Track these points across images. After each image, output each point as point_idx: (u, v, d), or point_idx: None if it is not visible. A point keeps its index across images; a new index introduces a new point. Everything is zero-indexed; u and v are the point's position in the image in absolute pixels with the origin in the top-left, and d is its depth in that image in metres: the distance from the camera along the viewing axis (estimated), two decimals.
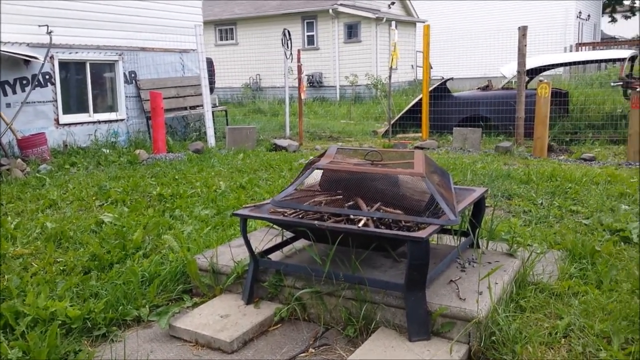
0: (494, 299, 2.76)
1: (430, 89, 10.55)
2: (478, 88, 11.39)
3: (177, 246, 3.89)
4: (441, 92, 10.85)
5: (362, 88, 18.92)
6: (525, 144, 8.95)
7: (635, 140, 7.71)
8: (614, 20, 38.26)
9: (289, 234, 3.46)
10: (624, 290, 3.19)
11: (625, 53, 10.94)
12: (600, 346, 2.57)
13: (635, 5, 37.78)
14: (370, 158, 3.28)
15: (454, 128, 9.36)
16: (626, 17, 38.35)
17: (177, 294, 3.41)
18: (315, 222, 2.88)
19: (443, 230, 3.55)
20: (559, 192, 5.77)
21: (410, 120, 11.06)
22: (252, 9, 22.43)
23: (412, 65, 23.47)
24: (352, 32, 20.53)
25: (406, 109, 11.27)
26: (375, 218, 2.92)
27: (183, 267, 3.50)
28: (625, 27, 38.24)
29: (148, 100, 9.19)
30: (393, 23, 12.04)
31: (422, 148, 8.93)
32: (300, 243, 3.47)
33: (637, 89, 8.76)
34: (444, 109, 10.64)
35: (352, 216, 2.96)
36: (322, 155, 3.31)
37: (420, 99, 10.38)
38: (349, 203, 3.09)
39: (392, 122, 10.54)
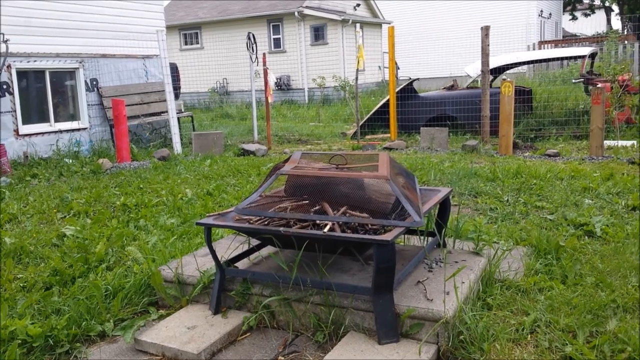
0: (461, 298, 2.76)
1: (397, 89, 10.62)
2: (444, 88, 11.52)
3: (142, 257, 3.80)
4: (408, 92, 10.93)
5: (330, 90, 18.96)
6: (492, 141, 9.07)
7: (597, 135, 7.89)
8: (574, 18, 39.30)
9: (255, 242, 3.41)
10: (588, 284, 3.24)
11: (585, 50, 11.20)
12: (566, 340, 2.60)
13: (594, 3, 38.90)
14: (335, 162, 3.26)
15: (422, 128, 9.44)
16: (586, 15, 39.43)
17: (143, 307, 3.33)
18: (281, 228, 2.85)
19: (410, 232, 3.55)
20: (525, 188, 5.85)
21: (378, 121, 11.11)
22: (216, 12, 22.26)
23: (379, 67, 23.63)
24: (318, 35, 20.57)
25: (374, 110, 11.32)
26: (341, 222, 2.90)
27: (148, 279, 3.42)
28: (585, 25, 39.31)
29: (111, 108, 9.01)
30: (357, 25, 12.07)
31: (390, 148, 8.98)
32: (267, 250, 3.43)
33: (597, 85, 9.00)
34: (411, 109, 10.72)
35: (318, 221, 2.94)
36: (286, 160, 3.27)
37: (388, 100, 10.44)
38: (315, 208, 3.07)
39: (360, 123, 10.56)
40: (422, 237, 3.49)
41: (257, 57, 10.46)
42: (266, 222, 3.03)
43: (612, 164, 7.05)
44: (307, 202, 3.18)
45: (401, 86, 10.98)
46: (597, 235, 4.21)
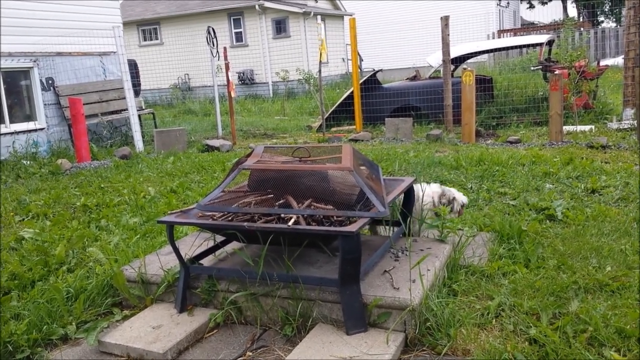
0: (427, 286, 2.78)
1: (361, 81, 10.63)
2: (407, 78, 11.59)
3: (104, 258, 3.71)
4: (372, 84, 10.96)
5: (294, 83, 18.88)
6: (455, 130, 9.17)
7: (556, 120, 8.06)
8: (532, 6, 40.08)
9: (221, 238, 3.36)
10: (551, 267, 3.31)
11: (543, 38, 11.43)
12: (530, 323, 2.64)
13: None
14: (298, 155, 3.24)
15: (386, 119, 9.48)
16: (543, 3, 40.25)
17: (106, 308, 3.25)
18: (245, 223, 2.81)
19: (376, 222, 3.56)
20: (487, 175, 5.94)
21: (343, 113, 11.12)
22: (175, 7, 21.87)
23: (342, 59, 23.64)
24: (280, 28, 20.44)
25: (339, 102, 11.33)
26: (306, 215, 2.88)
27: (110, 280, 3.34)
28: (543, 13, 40.16)
29: (68, 107, 8.75)
30: (318, 17, 12.02)
31: (356, 140, 9.00)
32: (233, 246, 3.38)
33: (555, 72, 9.19)
34: (375, 100, 10.76)
35: (282, 215, 2.91)
36: (249, 155, 3.23)
37: (352, 92, 10.45)
38: (280, 202, 3.04)
39: (325, 116, 10.55)
40: (387, 227, 3.50)
41: (218, 51, 10.31)
42: (230, 218, 2.99)
43: (572, 148, 7.22)
44: (271, 196, 3.15)
45: (365, 78, 10.99)
46: (558, 218, 4.30)
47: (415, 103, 10.65)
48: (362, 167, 3.29)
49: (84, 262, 3.88)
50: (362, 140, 8.97)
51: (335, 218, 2.97)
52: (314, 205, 2.97)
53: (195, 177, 6.69)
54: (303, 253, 3.12)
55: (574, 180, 5.47)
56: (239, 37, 20.94)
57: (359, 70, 21.97)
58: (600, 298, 2.89)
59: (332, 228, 2.70)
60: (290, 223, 2.75)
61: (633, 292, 2.91)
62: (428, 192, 3.78)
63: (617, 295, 2.90)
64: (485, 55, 20.71)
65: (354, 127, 10.38)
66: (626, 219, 4.15)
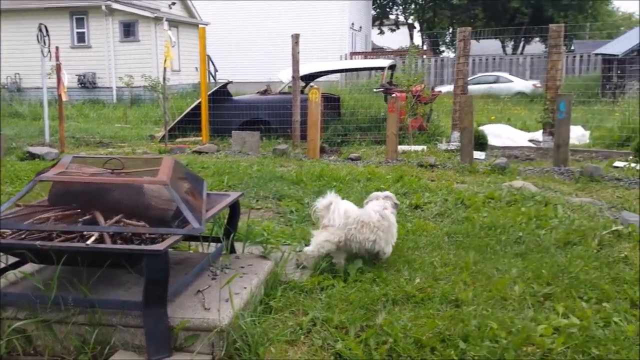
0: (241, 304, 2.72)
1: (210, 92, 10.44)
2: (257, 92, 11.63)
3: None
4: (222, 95, 10.82)
5: (141, 90, 18.06)
6: (302, 146, 9.35)
7: (392, 140, 8.58)
8: (382, 32, 42.93)
9: (13, 259, 2.99)
10: (367, 280, 3.43)
11: (385, 62, 12.18)
12: (338, 337, 2.70)
13: (399, 20, 42.92)
14: (110, 166, 3.01)
15: (233, 132, 9.39)
16: (392, 30, 43.34)
17: None
18: (37, 242, 2.52)
19: (197, 238, 3.43)
20: (325, 190, 6.06)
21: (191, 123, 10.81)
22: (9, 2, 19.85)
23: (196, 68, 23.17)
24: (129, 31, 19.45)
25: (186, 112, 11.00)
26: (111, 232, 2.67)
27: None
28: (393, 39, 43.19)
29: None
30: (165, 23, 11.62)
31: (201, 152, 8.78)
32: (32, 267, 3.03)
33: (393, 95, 9.82)
34: (225, 112, 10.61)
35: (85, 233, 2.67)
36: (54, 165, 2.94)
37: (201, 102, 10.21)
38: (85, 218, 2.80)
39: (170, 126, 10.17)
40: (208, 244, 3.39)
41: (49, 50, 9.47)
42: (23, 236, 2.68)
43: (404, 167, 7.70)
44: (77, 211, 2.89)
45: (214, 88, 10.82)
46: None
47: (265, 117, 10.70)
48: (183, 182, 3.15)
49: None
50: (207, 153, 8.77)
51: (147, 235, 2.80)
52: (124, 222, 2.77)
53: (7, 189, 6.00)
54: (112, 274, 2.89)
55: (402, 197, 5.80)
56: (81, 37, 19.54)
57: (214, 80, 21.70)
58: (406, 309, 3.04)
59: (136, 247, 2.53)
60: (89, 241, 2.53)
61: (435, 302, 3.11)
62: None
63: (421, 306, 3.08)
64: (338, 75, 21.67)
65: (201, 138, 10.14)
66: (440, 233, 4.48)
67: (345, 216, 3.51)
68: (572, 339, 2.66)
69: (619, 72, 17.20)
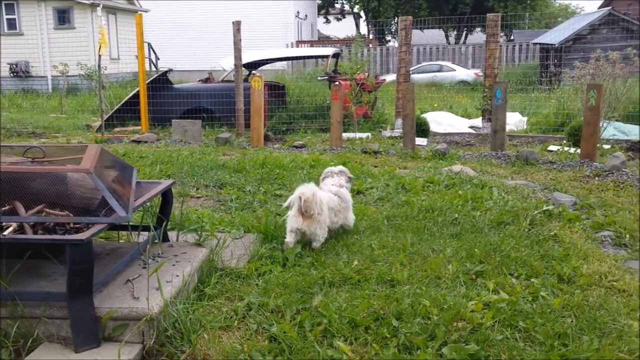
0: (173, 292, 2.66)
1: (149, 80, 10.15)
2: (199, 80, 11.41)
3: None
4: (162, 83, 10.54)
5: (77, 79, 17.43)
6: (246, 134, 9.25)
7: (336, 127, 8.60)
8: (328, 21, 42.91)
9: None
10: (306, 264, 3.43)
11: (329, 51, 12.18)
12: (273, 321, 2.68)
13: (345, 8, 43.00)
14: (31, 155, 2.86)
15: (173, 120, 9.18)
16: (338, 19, 43.37)
17: None
18: None
19: (126, 227, 3.33)
20: (267, 178, 6.04)
21: (130, 112, 10.50)
22: None
23: (136, 56, 22.53)
24: (64, 18, 18.65)
25: (124, 101, 10.68)
26: (32, 223, 2.55)
27: None
28: (340, 28, 43.26)
29: None
30: (98, 9, 11.16)
31: (139, 141, 8.53)
32: None
33: (336, 83, 9.84)
34: (165, 100, 10.36)
35: (3, 223, 2.53)
36: None
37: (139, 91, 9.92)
38: (4, 208, 2.65)
39: (108, 115, 9.84)
40: (138, 234, 3.29)
41: None
42: None
43: (349, 153, 7.74)
44: None
45: (154, 77, 10.53)
46: None
47: (208, 105, 10.52)
48: (110, 170, 3.04)
49: None
50: (147, 142, 8.54)
51: (71, 225, 2.69)
52: (46, 212, 2.65)
53: None
54: (36, 265, 2.77)
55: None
56: (12, 24, 18.61)
57: (155, 69, 21.12)
58: (342, 291, 3.06)
59: (57, 237, 2.43)
60: (6, 232, 2.40)
61: (372, 283, 3.15)
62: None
63: (358, 287, 3.10)
64: (285, 64, 21.51)
65: (140, 127, 9.86)
66: (380, 217, 4.53)
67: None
68: (500, 313, 2.74)
69: (555, 60, 17.85)
